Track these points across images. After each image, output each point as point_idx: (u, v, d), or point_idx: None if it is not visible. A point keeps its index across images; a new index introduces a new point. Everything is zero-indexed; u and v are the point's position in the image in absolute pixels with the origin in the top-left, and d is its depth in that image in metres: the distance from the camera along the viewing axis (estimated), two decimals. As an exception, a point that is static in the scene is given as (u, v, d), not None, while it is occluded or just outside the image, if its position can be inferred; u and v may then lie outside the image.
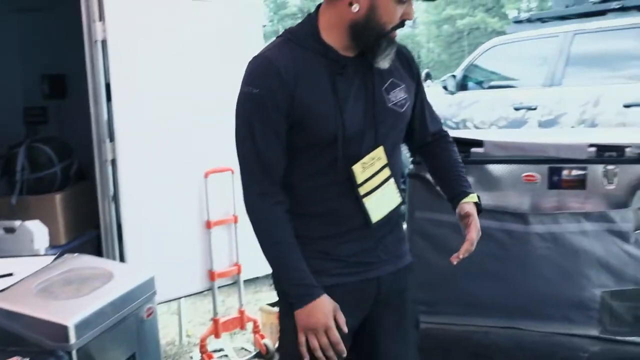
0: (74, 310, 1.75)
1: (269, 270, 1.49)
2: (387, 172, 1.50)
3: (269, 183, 1.43)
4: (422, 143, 1.71)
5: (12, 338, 1.66)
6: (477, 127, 5.32)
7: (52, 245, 2.90)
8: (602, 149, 1.93)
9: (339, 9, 1.43)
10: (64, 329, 1.67)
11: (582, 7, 5.23)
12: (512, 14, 34.99)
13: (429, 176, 2.12)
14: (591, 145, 1.94)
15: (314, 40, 1.44)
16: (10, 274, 1.97)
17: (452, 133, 2.09)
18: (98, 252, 2.81)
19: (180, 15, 2.82)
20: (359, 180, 1.45)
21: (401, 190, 1.58)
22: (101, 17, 2.58)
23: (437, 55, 40.26)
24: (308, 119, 1.41)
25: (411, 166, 2.16)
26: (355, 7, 1.39)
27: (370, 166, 1.46)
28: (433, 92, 6.58)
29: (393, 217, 1.58)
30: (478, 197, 1.62)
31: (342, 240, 1.49)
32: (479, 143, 2.05)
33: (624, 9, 4.73)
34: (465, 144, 2.08)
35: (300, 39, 1.46)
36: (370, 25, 1.41)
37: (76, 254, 2.23)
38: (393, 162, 1.54)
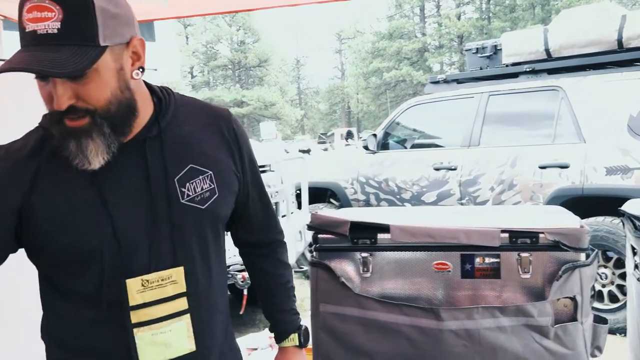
0: None
1: None
2: (182, 303, 1.11)
3: None
4: (246, 245, 1.41)
5: None
6: (399, 187, 5.27)
7: None
8: (515, 235, 1.78)
9: None
10: None
11: (495, 69, 5.33)
12: (435, 67, 36.59)
13: (333, 265, 1.92)
14: (504, 231, 1.79)
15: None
16: None
17: (358, 217, 1.92)
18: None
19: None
20: (133, 301, 1.06)
21: (206, 335, 1.16)
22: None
23: (366, 106, 41.37)
24: (51, 231, 1.05)
25: (314, 254, 1.94)
26: None
27: (156, 288, 1.08)
28: (354, 151, 6.51)
29: None
30: (300, 333, 1.43)
31: None
32: (385, 228, 1.87)
33: (535, 72, 4.83)
34: (372, 230, 1.89)
35: (51, 124, 1.07)
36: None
37: None
38: (198, 287, 1.14)
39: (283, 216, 4.51)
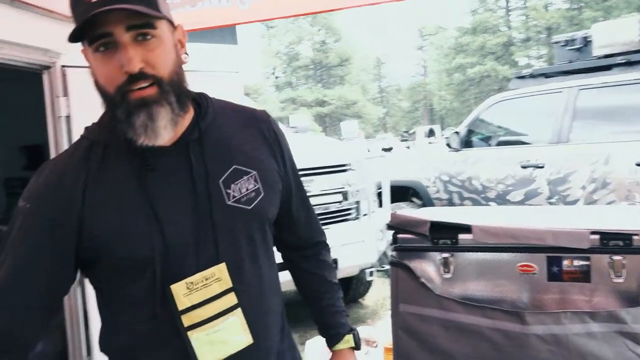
0: None
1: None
2: (231, 299, 1.09)
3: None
4: (290, 248, 1.38)
5: None
6: (483, 186, 5.13)
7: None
8: (606, 236, 1.69)
9: None
10: None
11: (586, 62, 5.07)
12: (522, 61, 35.29)
13: (413, 265, 1.90)
14: (594, 232, 1.70)
15: (110, 132, 1.07)
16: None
17: (439, 217, 1.89)
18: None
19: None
20: (181, 305, 1.06)
21: (261, 331, 1.14)
22: (65, 93, 2.44)
23: (449, 103, 40.57)
24: (106, 243, 1.04)
25: (394, 253, 1.93)
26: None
27: (202, 288, 1.07)
28: (436, 149, 6.40)
29: None
30: (355, 334, 1.36)
31: None
32: (467, 228, 1.83)
33: (629, 64, 4.56)
34: (453, 230, 1.85)
35: (96, 134, 1.10)
36: (102, 92, 1.05)
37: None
38: (247, 285, 1.12)
39: (364, 215, 4.50)
